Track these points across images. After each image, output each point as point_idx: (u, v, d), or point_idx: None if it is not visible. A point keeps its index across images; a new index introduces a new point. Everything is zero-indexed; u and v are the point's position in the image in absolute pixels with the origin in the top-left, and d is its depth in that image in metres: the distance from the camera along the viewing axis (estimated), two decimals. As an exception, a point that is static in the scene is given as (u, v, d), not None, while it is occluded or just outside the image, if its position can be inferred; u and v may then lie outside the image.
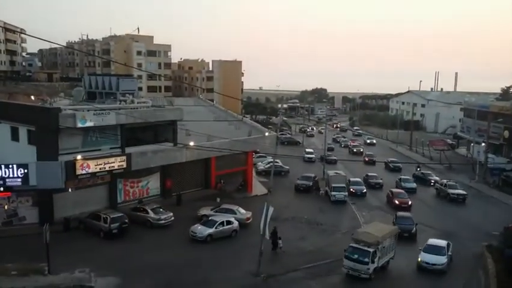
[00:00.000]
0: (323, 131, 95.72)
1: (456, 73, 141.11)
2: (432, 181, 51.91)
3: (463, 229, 36.02)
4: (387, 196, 44.20)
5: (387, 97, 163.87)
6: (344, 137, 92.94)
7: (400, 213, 35.49)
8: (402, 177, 51.06)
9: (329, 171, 49.51)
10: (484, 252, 29.28)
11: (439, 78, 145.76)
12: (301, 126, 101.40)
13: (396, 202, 41.31)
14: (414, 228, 32.90)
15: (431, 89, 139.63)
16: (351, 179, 49.02)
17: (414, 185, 48.88)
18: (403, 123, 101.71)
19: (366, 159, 64.84)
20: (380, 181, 50.29)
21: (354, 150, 75.01)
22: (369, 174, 52.50)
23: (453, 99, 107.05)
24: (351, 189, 45.71)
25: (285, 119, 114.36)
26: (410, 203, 41.16)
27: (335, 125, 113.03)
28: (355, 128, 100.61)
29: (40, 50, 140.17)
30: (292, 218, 37.27)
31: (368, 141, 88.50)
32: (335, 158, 64.16)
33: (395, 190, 44.47)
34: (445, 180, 48.90)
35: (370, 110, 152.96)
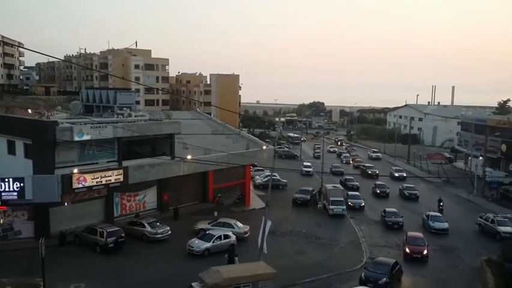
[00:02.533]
0: (332, 149, 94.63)
1: (453, 87, 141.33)
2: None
3: (461, 243, 35.89)
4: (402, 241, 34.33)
5: (385, 111, 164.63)
6: (349, 152, 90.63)
7: (378, 259, 28.82)
8: (431, 213, 40.58)
9: (326, 184, 49.40)
10: (483, 266, 29.19)
11: (436, 92, 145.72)
12: (315, 145, 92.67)
13: (407, 250, 31.64)
14: (385, 279, 25.40)
15: (428, 102, 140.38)
16: (349, 193, 48.95)
17: (445, 224, 38.51)
18: (401, 136, 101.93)
19: (378, 191, 52.84)
20: (400, 220, 39.60)
21: (369, 172, 65.27)
22: (388, 210, 41.98)
23: (450, 113, 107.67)
24: (350, 203, 45.63)
25: (296, 135, 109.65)
26: (425, 252, 31.33)
27: (339, 142, 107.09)
28: (373, 150, 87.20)
29: (38, 64, 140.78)
30: (290, 231, 37.18)
31: (374, 155, 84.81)
32: (357, 183, 56.28)
33: (410, 234, 33.91)
34: (491, 215, 39.76)
35: (367, 124, 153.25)
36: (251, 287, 21.34)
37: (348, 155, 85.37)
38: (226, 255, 27.81)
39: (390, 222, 39.50)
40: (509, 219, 39.19)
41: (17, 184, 29.31)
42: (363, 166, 69.31)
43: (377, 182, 55.80)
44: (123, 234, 30.63)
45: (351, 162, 78.61)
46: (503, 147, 59.45)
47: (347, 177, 58.72)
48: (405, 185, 54.80)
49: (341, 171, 64.70)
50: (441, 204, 45.74)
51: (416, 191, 52.36)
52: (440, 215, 41.07)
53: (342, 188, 48.38)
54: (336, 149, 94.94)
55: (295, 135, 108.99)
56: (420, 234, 34.05)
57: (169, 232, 33.17)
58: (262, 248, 25.35)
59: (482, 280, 27.90)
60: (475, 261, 31.01)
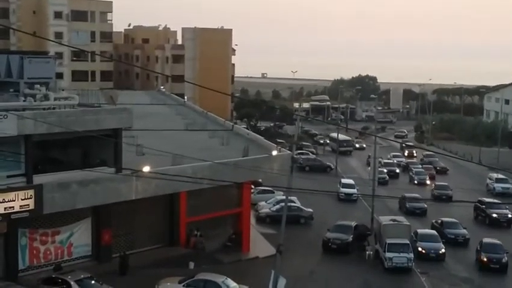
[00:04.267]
0: (396, 160, 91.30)
1: None
2: None
3: None
4: None
5: (480, 91, 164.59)
6: (424, 164, 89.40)
7: None
8: None
9: (381, 217, 49.47)
10: None
11: None
12: (369, 157, 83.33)
13: None
14: None
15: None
16: (420, 231, 49.06)
17: None
18: (508, 135, 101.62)
19: (484, 259, 44.39)
20: None
21: (494, 215, 58.47)
22: None
23: None
24: (420, 249, 45.80)
25: (346, 137, 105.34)
26: None
27: (407, 150, 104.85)
28: (497, 178, 73.58)
29: None
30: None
31: (500, 186, 71.24)
32: (464, 231, 52.56)
33: None
34: None
35: (451, 114, 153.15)
36: None
37: (422, 170, 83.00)
38: None
39: None
40: None
41: None
42: (481, 203, 60.99)
43: (487, 240, 47.37)
44: (34, 301, 30.71)
45: (428, 182, 76.99)
46: None
47: (446, 219, 54.73)
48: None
49: (422, 208, 61.69)
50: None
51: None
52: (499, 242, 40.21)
53: (408, 224, 48.38)
54: (403, 159, 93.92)
55: (345, 137, 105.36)
56: None
57: (113, 297, 33.24)
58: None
59: None
60: None
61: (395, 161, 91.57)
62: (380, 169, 75.12)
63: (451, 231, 51.51)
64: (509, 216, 53.54)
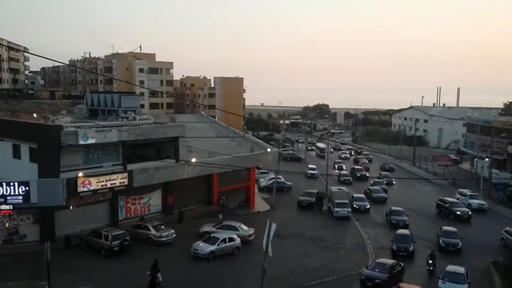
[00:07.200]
0: (343, 155, 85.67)
1: (458, 88, 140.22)
2: None
3: (468, 245, 35.66)
4: None
5: (390, 113, 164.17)
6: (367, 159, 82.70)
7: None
8: (449, 268, 26.75)
9: (331, 187, 49.32)
10: (490, 268, 29.00)
11: (441, 93, 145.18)
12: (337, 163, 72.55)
13: None
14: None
15: (434, 104, 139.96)
16: (355, 195, 48.83)
17: None
18: (406, 138, 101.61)
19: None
20: None
21: (458, 212, 43.44)
22: None
23: (456, 115, 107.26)
24: (355, 205, 45.54)
25: (325, 146, 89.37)
26: None
27: (347, 151, 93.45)
28: (470, 194, 49.80)
29: (43, 68, 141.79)
30: (296, 234, 37.10)
31: (475, 202, 47.96)
32: (406, 218, 40.95)
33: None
34: None
35: (372, 126, 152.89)
36: None
37: (366, 161, 78.06)
38: (148, 273, 24.88)
39: None
40: None
41: (22, 188, 29.48)
42: (442, 201, 46.60)
43: (399, 232, 35.33)
44: (128, 238, 30.72)
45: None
46: (510, 148, 59.04)
47: (394, 208, 43.10)
48: (445, 228, 36.52)
49: (384, 198, 50.88)
50: (430, 262, 29.35)
51: (458, 241, 34.15)
52: (462, 271, 26.32)
53: (347, 191, 48.29)
54: (348, 156, 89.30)
55: (324, 145, 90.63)
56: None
57: (174, 235, 33.21)
58: (267, 251, 25.29)
59: (489, 282, 27.70)
60: (482, 264, 30.80)
61: (341, 155, 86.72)
62: (345, 172, 65.15)
63: (395, 217, 40.69)
64: (469, 213, 38.34)
